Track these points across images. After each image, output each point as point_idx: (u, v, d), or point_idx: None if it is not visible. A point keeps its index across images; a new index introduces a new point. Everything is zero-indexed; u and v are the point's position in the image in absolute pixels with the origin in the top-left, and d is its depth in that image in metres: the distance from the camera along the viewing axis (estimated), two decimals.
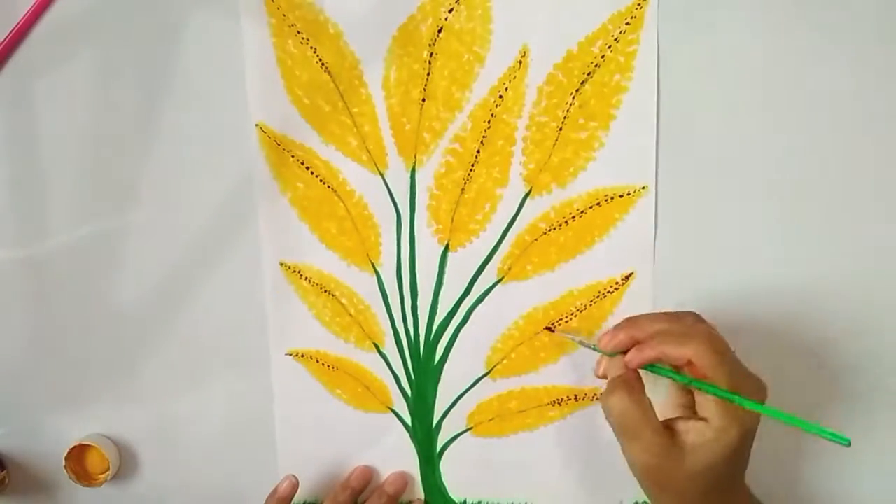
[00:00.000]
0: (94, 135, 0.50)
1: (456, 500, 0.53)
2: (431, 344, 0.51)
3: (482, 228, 0.50)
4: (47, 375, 0.53)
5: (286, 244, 0.51)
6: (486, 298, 0.50)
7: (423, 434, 0.53)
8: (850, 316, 0.48)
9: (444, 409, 0.52)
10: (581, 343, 0.47)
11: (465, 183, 0.49)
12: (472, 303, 0.51)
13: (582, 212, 0.49)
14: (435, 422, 0.52)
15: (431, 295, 0.51)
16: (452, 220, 0.50)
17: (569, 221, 0.49)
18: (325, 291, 0.51)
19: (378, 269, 0.51)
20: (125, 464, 0.54)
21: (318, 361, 0.52)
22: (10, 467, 0.54)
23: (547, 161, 0.48)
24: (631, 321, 0.43)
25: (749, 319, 0.49)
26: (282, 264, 0.51)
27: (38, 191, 0.51)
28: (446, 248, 0.50)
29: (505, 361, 0.51)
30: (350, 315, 0.51)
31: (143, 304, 0.52)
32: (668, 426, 0.41)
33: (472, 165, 0.49)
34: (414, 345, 0.52)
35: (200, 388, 0.53)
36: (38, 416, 0.53)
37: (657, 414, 0.41)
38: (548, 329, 0.50)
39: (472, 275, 0.50)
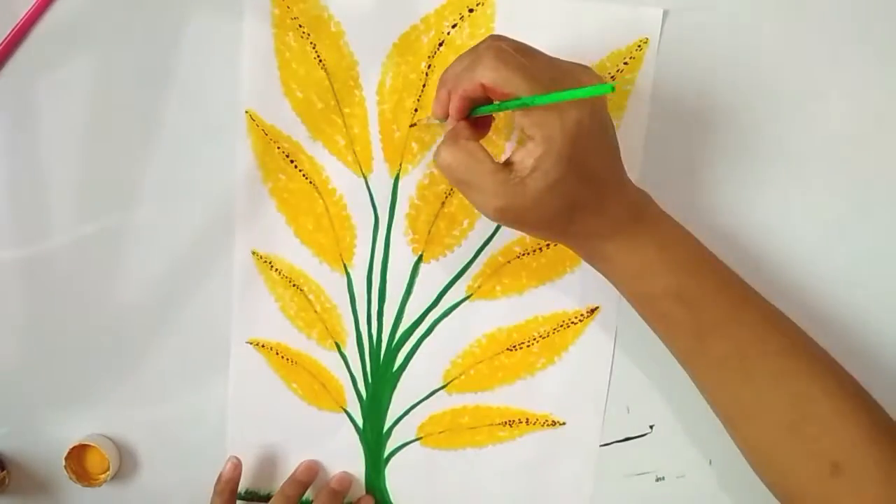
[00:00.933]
0: (94, 135, 0.50)
1: None
2: (392, 350, 0.52)
3: (457, 244, 0.50)
4: (47, 375, 0.53)
5: (261, 233, 0.51)
6: (453, 313, 0.51)
7: (373, 438, 0.53)
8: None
9: (397, 415, 0.52)
10: (428, 121, 0.47)
11: (447, 197, 0.49)
12: (437, 315, 0.51)
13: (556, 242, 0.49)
14: (386, 427, 0.53)
15: (399, 302, 0.51)
16: (429, 232, 0.50)
17: (543, 249, 0.49)
18: (294, 285, 0.51)
19: (349, 270, 0.51)
20: (125, 464, 0.54)
21: (277, 353, 0.52)
22: (10, 467, 0.54)
23: None
24: (442, 75, 0.41)
25: None
26: (254, 253, 0.51)
27: (38, 191, 0.50)
28: (419, 259, 0.50)
29: (463, 377, 0.52)
30: (315, 312, 0.52)
31: (144, 303, 0.52)
32: (505, 163, 0.39)
33: None
34: (375, 349, 0.52)
35: (200, 388, 0.53)
36: (38, 416, 0.53)
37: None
38: (412, 125, 0.48)
39: (441, 288, 0.51)
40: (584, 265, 0.49)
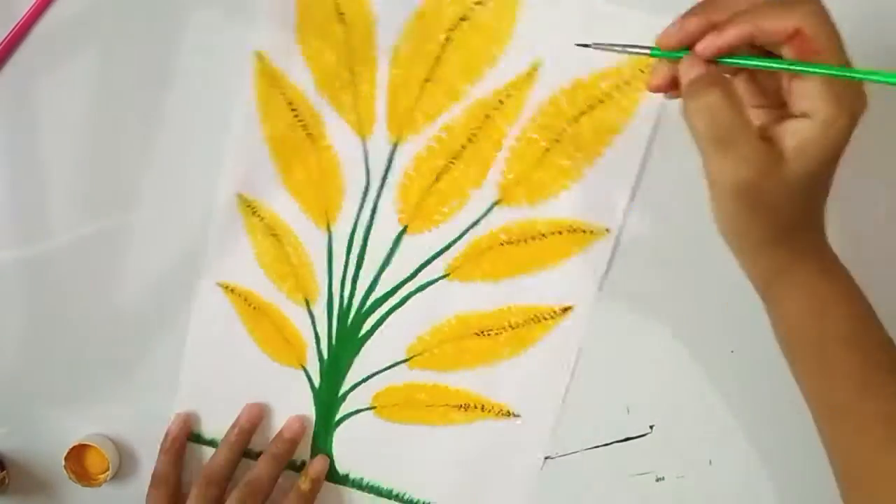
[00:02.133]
0: (94, 135, 0.49)
1: (339, 473, 0.53)
2: (361, 316, 0.51)
3: (444, 220, 0.50)
4: (47, 375, 0.53)
5: (249, 177, 0.50)
6: (427, 289, 0.51)
7: (328, 399, 0.53)
8: None
9: (354, 382, 0.52)
10: (624, 49, 0.37)
11: (441, 173, 0.49)
12: (412, 289, 0.51)
13: (543, 235, 0.49)
14: (342, 391, 0.52)
15: (376, 270, 0.51)
16: (418, 206, 0.50)
17: (528, 241, 0.49)
18: (273, 235, 0.51)
19: (332, 228, 0.50)
20: (125, 464, 0.53)
21: (246, 300, 0.52)
22: (10, 467, 0.53)
23: (524, 176, 0.49)
24: (698, 5, 0.34)
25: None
26: (238, 195, 0.50)
27: (38, 191, 0.50)
28: (403, 230, 0.50)
29: (426, 354, 0.51)
30: (291, 265, 0.51)
31: (144, 303, 0.51)
32: (763, 133, 0.33)
33: (454, 158, 0.49)
34: (344, 312, 0.52)
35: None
36: (38, 416, 0.53)
37: None
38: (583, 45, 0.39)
39: (420, 262, 0.50)
40: (565, 263, 0.49)
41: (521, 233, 0.49)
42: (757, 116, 0.35)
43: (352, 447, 0.53)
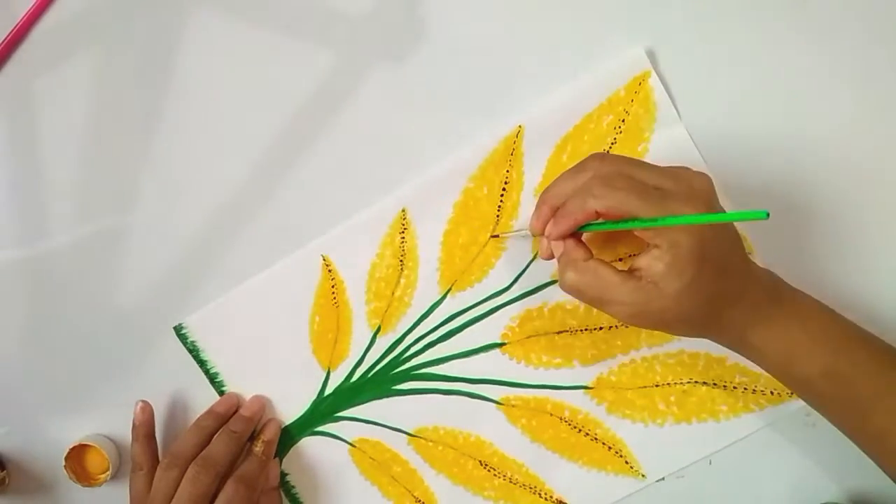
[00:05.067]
0: (94, 135, 0.50)
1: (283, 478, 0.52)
2: (404, 372, 0.51)
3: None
4: (47, 375, 0.53)
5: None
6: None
7: (323, 408, 0.52)
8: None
9: (358, 416, 0.52)
10: (517, 235, 0.48)
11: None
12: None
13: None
14: (340, 413, 0.52)
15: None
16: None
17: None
18: None
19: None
20: (125, 464, 0.52)
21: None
22: (10, 467, 0.53)
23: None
24: (544, 193, 0.42)
25: None
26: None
27: (38, 191, 0.51)
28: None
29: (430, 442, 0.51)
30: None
31: (143, 303, 0.51)
32: (629, 271, 0.40)
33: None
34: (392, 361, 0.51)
35: (200, 387, 0.52)
36: (38, 416, 0.53)
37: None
38: (493, 237, 0.49)
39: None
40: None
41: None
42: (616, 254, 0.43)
43: (307, 464, 0.52)
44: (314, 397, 0.51)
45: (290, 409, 0.52)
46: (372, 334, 0.50)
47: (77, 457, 0.52)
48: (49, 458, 0.53)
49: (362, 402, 0.51)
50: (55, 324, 0.52)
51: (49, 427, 0.53)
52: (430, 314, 0.50)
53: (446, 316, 0.50)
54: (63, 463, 0.51)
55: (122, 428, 0.52)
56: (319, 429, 0.52)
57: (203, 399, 0.52)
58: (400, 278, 0.49)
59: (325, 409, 0.51)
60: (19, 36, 0.49)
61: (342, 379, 0.51)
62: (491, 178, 0.48)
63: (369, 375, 0.51)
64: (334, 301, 0.50)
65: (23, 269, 0.51)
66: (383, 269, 0.49)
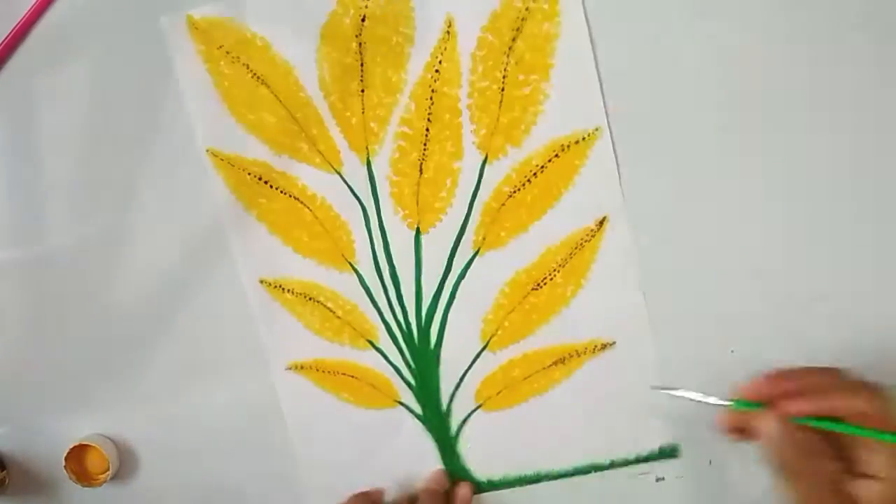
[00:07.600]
0: (94, 135, 0.50)
1: (481, 479, 0.53)
2: (424, 330, 0.51)
3: (448, 205, 0.50)
4: (47, 375, 0.53)
5: (261, 261, 0.51)
6: (468, 273, 0.50)
7: (435, 420, 0.52)
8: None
9: (451, 391, 0.52)
10: (694, 398, 0.43)
11: (422, 163, 0.49)
12: (454, 280, 0.50)
13: (542, 167, 0.48)
14: (444, 406, 0.52)
15: (414, 281, 0.51)
16: (417, 203, 0.50)
17: (531, 179, 0.49)
18: (310, 299, 0.51)
19: (356, 266, 0.51)
20: (125, 464, 0.53)
21: (318, 370, 0.52)
22: (10, 467, 0.54)
23: (496, 124, 0.48)
24: (777, 373, 0.40)
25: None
26: (262, 281, 0.51)
27: (38, 191, 0.50)
28: (418, 232, 0.50)
29: (500, 332, 0.51)
30: (339, 317, 0.51)
31: (143, 303, 0.51)
32: (835, 483, 0.38)
33: (425, 145, 0.49)
34: (408, 334, 0.51)
35: (200, 388, 0.52)
36: (38, 416, 0.53)
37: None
38: (655, 387, 0.47)
39: (448, 253, 0.50)
40: (577, 180, 0.48)
41: (522, 176, 0.49)
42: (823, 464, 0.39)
43: (479, 452, 0.52)
44: (420, 423, 0.52)
45: None
46: None
47: (77, 457, 0.52)
48: (49, 458, 0.53)
49: (438, 385, 0.52)
50: (55, 324, 0.52)
51: (49, 427, 0.53)
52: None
53: None
54: (63, 463, 0.51)
55: (122, 428, 0.53)
56: (454, 431, 0.52)
57: (201, 399, 0.52)
58: None
59: (435, 417, 0.52)
60: (19, 36, 0.48)
61: None
62: None
63: None
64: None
65: (22, 268, 0.51)
66: None
